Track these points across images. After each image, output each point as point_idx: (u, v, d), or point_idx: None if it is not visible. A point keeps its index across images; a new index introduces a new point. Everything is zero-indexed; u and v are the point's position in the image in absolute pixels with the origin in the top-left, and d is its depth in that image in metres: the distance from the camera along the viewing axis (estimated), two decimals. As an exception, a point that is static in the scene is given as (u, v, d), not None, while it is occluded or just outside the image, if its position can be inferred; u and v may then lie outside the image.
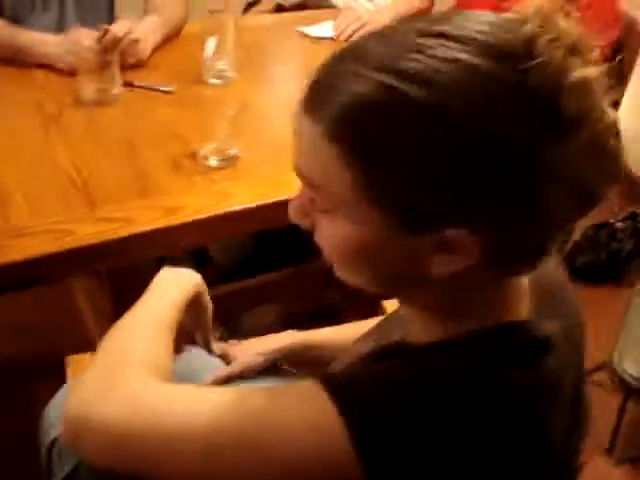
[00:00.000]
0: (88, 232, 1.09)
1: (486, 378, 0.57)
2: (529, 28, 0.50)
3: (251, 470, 0.58)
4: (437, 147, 0.51)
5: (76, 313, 1.84)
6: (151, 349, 0.71)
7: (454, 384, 0.57)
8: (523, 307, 0.64)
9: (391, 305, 1.18)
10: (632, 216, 2.38)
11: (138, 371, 0.66)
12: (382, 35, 0.54)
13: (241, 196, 1.22)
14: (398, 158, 0.52)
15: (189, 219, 1.15)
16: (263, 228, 1.27)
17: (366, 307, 1.76)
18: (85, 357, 1.08)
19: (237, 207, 1.19)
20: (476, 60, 0.50)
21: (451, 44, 0.50)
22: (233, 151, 1.30)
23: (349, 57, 0.54)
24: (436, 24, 0.53)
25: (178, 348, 1.05)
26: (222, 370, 1.12)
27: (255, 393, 0.61)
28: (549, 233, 0.58)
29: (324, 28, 1.98)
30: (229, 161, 1.30)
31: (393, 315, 0.86)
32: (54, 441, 0.80)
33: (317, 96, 0.55)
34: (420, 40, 0.51)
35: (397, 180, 0.53)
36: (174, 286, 0.85)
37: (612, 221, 2.38)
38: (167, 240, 1.15)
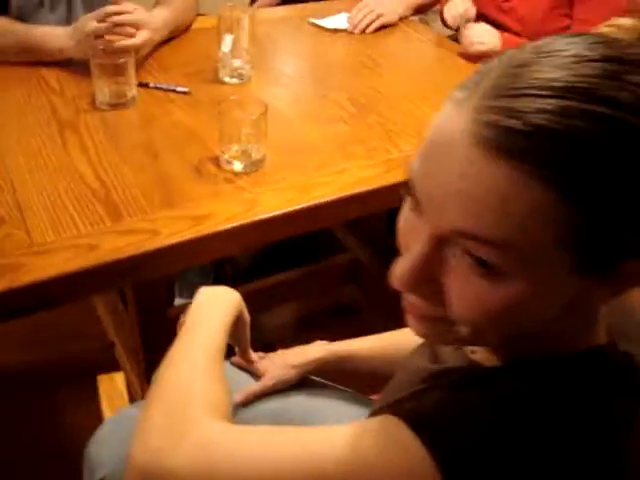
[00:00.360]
0: (113, 246, 1.04)
1: (589, 412, 0.54)
2: None
3: None
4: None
5: (93, 315, 1.81)
6: (210, 385, 0.68)
7: (555, 420, 0.53)
8: (602, 330, 0.61)
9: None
10: None
11: (203, 413, 0.63)
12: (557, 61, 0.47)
13: (269, 202, 1.18)
14: (620, 199, 0.46)
15: (218, 229, 1.11)
16: (293, 234, 1.23)
17: (386, 306, 1.72)
18: (117, 376, 1.05)
19: (267, 215, 1.15)
20: None
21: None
22: (258, 154, 1.26)
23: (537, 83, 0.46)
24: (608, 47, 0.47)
25: None
26: (255, 385, 1.10)
27: (332, 433, 0.58)
28: None
29: (338, 20, 1.93)
30: (254, 165, 1.26)
31: None
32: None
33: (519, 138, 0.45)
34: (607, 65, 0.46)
35: (612, 222, 0.46)
36: (218, 309, 0.83)
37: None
38: (195, 251, 1.11)
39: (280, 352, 1.15)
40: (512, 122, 0.45)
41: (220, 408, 0.65)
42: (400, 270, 0.53)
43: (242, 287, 1.68)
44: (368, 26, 1.89)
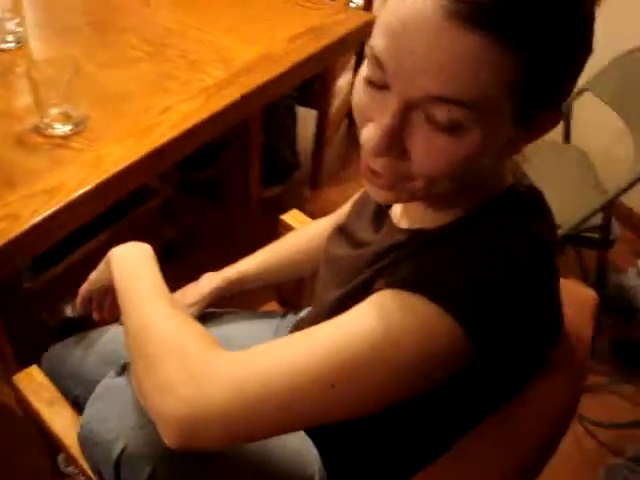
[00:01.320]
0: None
1: (527, 238, 0.66)
2: None
3: (378, 384, 0.61)
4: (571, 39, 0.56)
5: None
6: (190, 325, 0.70)
7: (513, 253, 0.64)
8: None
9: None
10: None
11: (207, 350, 0.65)
12: None
13: (114, 156, 1.16)
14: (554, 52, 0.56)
15: (75, 195, 1.08)
16: (144, 181, 1.22)
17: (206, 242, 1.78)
18: (33, 370, 1.01)
19: (117, 168, 1.14)
20: None
21: None
22: (79, 112, 1.22)
23: None
24: None
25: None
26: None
27: (352, 320, 0.64)
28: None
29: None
30: (81, 123, 1.22)
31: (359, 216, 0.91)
32: (122, 453, 0.75)
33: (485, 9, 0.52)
34: None
35: (542, 78, 0.57)
36: (144, 258, 0.84)
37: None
38: (59, 224, 1.08)
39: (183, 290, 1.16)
40: None
41: (213, 339, 0.68)
42: (371, 138, 0.60)
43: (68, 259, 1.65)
44: None
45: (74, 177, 1.11)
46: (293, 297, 1.37)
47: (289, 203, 2.30)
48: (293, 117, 2.25)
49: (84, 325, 1.79)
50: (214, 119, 1.30)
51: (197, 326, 0.70)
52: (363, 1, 2.26)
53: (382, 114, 0.60)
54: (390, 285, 0.64)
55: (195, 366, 0.63)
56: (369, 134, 0.61)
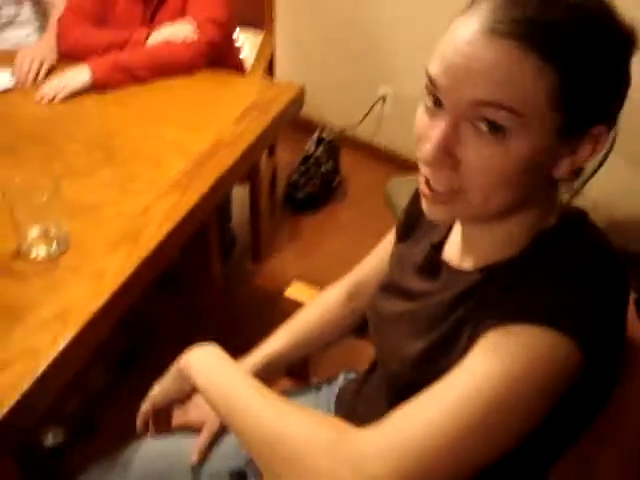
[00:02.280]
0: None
1: (603, 254, 0.71)
2: None
3: (520, 418, 0.64)
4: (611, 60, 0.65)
5: None
6: (309, 412, 0.69)
7: (598, 269, 0.69)
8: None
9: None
10: (320, 140, 2.66)
11: (344, 432, 0.65)
12: None
13: (113, 266, 1.12)
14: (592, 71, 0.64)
15: (89, 314, 1.03)
16: (148, 285, 1.18)
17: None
18: None
19: (122, 278, 1.09)
20: None
21: None
22: (59, 230, 1.16)
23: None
24: None
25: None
26: (202, 438, 1.07)
27: (476, 370, 0.64)
28: None
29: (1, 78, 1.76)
30: (63, 242, 1.16)
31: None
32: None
33: (520, 24, 0.62)
34: None
35: (587, 87, 0.64)
36: (222, 358, 0.83)
37: (312, 152, 2.63)
38: (81, 350, 1.02)
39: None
40: (516, 14, 0.62)
41: (338, 420, 0.67)
42: (426, 150, 0.67)
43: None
44: (38, 74, 1.77)
45: (80, 297, 1.06)
46: (302, 369, 1.34)
47: (235, 280, 2.28)
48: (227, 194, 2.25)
49: (65, 454, 1.69)
50: (194, 211, 1.29)
51: (316, 412, 0.69)
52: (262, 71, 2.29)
53: (437, 129, 0.67)
54: (495, 325, 0.66)
55: (347, 452, 0.62)
56: (425, 149, 0.68)
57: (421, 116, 0.71)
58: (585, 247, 0.72)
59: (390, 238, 1.08)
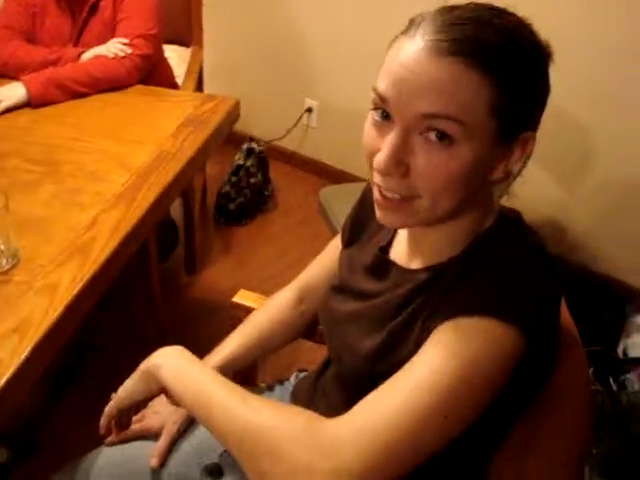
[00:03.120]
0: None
1: (536, 251, 0.80)
2: None
3: (473, 403, 0.71)
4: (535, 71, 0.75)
5: None
6: (282, 407, 0.74)
7: (534, 264, 0.78)
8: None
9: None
10: (250, 151, 2.70)
11: (316, 423, 0.70)
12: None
13: (66, 279, 1.13)
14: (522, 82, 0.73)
15: (46, 327, 1.04)
16: (100, 298, 1.20)
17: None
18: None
19: (75, 290, 1.11)
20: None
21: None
22: (9, 245, 1.17)
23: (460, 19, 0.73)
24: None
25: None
26: (161, 442, 1.10)
27: (433, 362, 0.71)
28: None
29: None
30: (14, 256, 1.17)
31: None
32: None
33: (457, 43, 0.70)
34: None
35: (516, 93, 0.73)
36: (191, 360, 0.87)
37: (242, 163, 2.67)
38: (39, 361, 1.03)
39: (157, 400, 1.14)
40: (457, 34, 0.70)
41: (310, 412, 0.72)
42: (380, 160, 0.74)
43: None
44: None
45: (35, 311, 1.07)
46: (250, 373, 1.38)
47: (171, 292, 2.29)
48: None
49: (9, 473, 1.67)
50: (141, 223, 1.31)
51: (291, 406, 0.74)
52: (193, 86, 2.33)
53: (388, 141, 0.74)
54: (445, 319, 0.73)
55: (320, 439, 0.67)
56: (378, 158, 0.75)
57: (369, 130, 0.78)
58: (521, 245, 0.80)
59: (335, 242, 1.13)
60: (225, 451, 1.08)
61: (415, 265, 0.89)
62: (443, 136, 0.71)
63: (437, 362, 0.71)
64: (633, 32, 2.02)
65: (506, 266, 0.77)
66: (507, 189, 0.86)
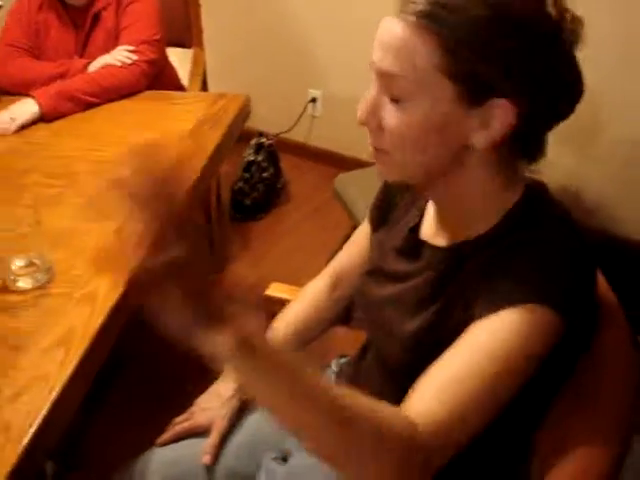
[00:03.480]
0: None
1: (567, 226, 0.82)
2: None
3: (519, 375, 0.75)
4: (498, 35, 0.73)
5: None
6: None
7: (570, 243, 0.80)
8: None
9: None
10: (259, 146, 2.71)
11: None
12: None
13: (103, 287, 1.15)
14: (474, 41, 0.73)
15: (92, 334, 1.06)
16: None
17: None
18: None
19: (114, 298, 1.13)
20: None
21: None
22: (44, 259, 1.19)
23: None
24: None
25: None
26: (211, 439, 1.11)
27: (487, 347, 0.74)
28: (551, 122, 0.81)
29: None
30: (49, 270, 1.19)
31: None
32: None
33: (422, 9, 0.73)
34: None
35: (471, 58, 0.73)
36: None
37: (252, 158, 2.68)
38: (89, 369, 1.05)
39: (204, 397, 1.16)
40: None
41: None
42: (359, 109, 0.80)
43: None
44: None
45: (77, 321, 1.09)
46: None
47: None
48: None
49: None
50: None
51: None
52: (199, 86, 2.33)
53: (366, 94, 0.80)
54: (490, 308, 0.76)
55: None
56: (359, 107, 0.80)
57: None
58: (551, 222, 0.82)
59: (363, 228, 1.14)
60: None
61: (445, 242, 0.89)
62: (394, 93, 0.76)
63: (486, 349, 0.74)
64: None
65: (541, 250, 0.78)
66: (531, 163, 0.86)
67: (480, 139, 0.78)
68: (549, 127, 0.82)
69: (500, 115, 0.76)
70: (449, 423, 0.71)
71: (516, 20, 0.74)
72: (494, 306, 0.75)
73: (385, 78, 0.77)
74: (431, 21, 0.73)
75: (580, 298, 0.78)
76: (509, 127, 0.77)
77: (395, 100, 0.77)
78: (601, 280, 0.96)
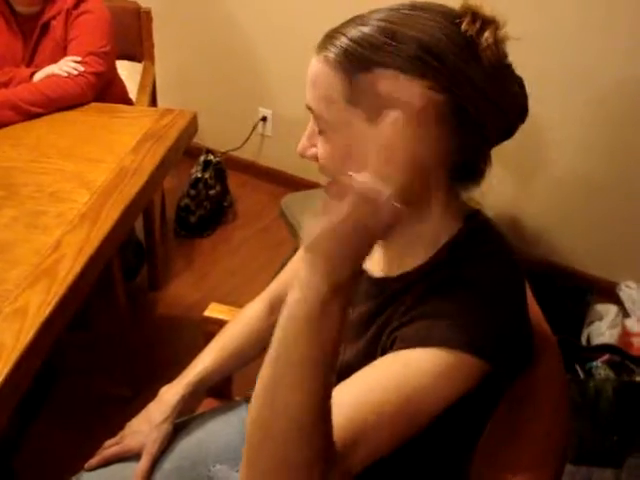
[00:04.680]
0: None
1: (504, 260, 0.82)
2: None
3: (430, 410, 0.73)
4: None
5: None
6: None
7: (509, 281, 0.80)
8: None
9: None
10: (207, 163, 2.69)
11: None
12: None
13: (35, 302, 1.12)
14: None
15: (19, 351, 1.03)
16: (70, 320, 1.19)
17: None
18: None
19: (46, 312, 1.10)
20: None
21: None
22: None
23: (351, 21, 0.78)
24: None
25: None
26: (141, 464, 1.08)
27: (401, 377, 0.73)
28: (485, 148, 0.81)
29: None
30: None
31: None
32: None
33: (329, 40, 0.76)
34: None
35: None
36: None
37: (199, 175, 2.65)
38: (14, 385, 1.02)
39: (135, 420, 1.14)
40: (335, 32, 0.77)
41: None
42: (300, 142, 0.82)
43: None
44: None
45: (6, 336, 1.05)
46: (225, 386, 1.38)
47: (136, 309, 2.27)
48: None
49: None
50: (106, 242, 1.30)
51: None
52: (147, 101, 2.31)
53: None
54: (414, 344, 0.75)
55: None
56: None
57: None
58: (487, 258, 0.80)
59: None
60: (214, 465, 1.09)
61: (384, 272, 0.89)
62: (319, 125, 0.79)
63: (392, 381, 0.73)
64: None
65: (472, 293, 0.77)
66: (471, 191, 0.86)
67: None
68: (483, 151, 0.81)
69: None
70: (351, 440, 0.69)
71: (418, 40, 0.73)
72: (414, 341, 0.75)
73: (311, 111, 0.79)
74: (334, 52, 0.75)
75: (507, 342, 0.76)
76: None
77: (320, 130, 0.79)
78: (536, 310, 0.98)
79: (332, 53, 0.75)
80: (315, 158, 0.81)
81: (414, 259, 0.84)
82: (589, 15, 2.06)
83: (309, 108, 0.79)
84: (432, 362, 0.73)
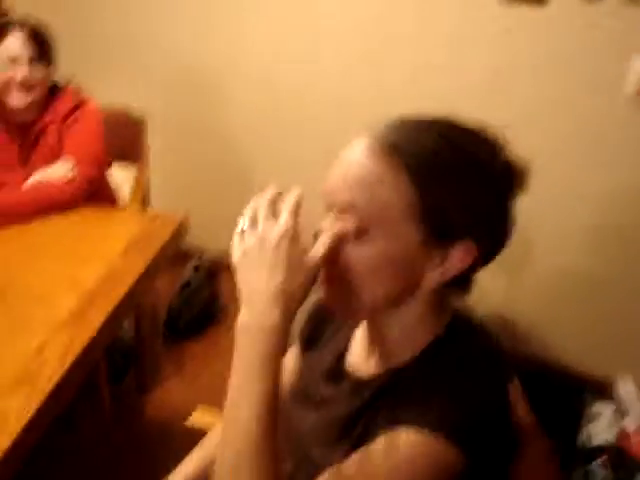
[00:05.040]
0: None
1: (486, 355, 0.83)
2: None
3: None
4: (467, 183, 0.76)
5: None
6: None
7: (482, 375, 0.80)
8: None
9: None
10: (198, 267, 2.70)
11: None
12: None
13: (14, 407, 1.10)
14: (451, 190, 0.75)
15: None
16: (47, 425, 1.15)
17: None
18: None
19: (25, 419, 1.08)
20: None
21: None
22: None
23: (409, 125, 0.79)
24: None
25: None
26: None
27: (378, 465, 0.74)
28: (490, 260, 0.83)
29: None
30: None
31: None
32: None
33: (393, 146, 0.75)
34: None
35: (445, 207, 0.75)
36: None
37: (190, 279, 2.65)
38: None
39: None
40: (395, 137, 0.76)
41: None
42: (315, 251, 0.77)
43: None
44: None
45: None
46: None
47: (122, 413, 2.21)
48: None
49: None
50: (90, 347, 1.29)
51: None
52: (139, 202, 2.34)
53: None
54: (390, 428, 0.75)
55: None
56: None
57: None
58: (471, 355, 0.82)
59: (289, 353, 1.12)
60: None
61: (371, 370, 0.88)
62: (359, 228, 0.75)
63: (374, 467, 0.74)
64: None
65: (456, 381, 0.78)
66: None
67: (435, 276, 0.79)
68: (487, 264, 0.83)
69: (460, 255, 0.77)
70: None
71: (475, 161, 0.77)
72: (395, 424, 0.75)
73: (346, 210, 0.76)
74: (401, 158, 0.75)
75: (485, 433, 0.76)
76: (466, 266, 0.78)
77: (356, 234, 0.76)
78: (521, 403, 0.96)
79: (401, 158, 0.75)
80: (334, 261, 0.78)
81: (402, 356, 0.84)
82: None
83: (344, 205, 0.77)
84: (409, 445, 0.73)
